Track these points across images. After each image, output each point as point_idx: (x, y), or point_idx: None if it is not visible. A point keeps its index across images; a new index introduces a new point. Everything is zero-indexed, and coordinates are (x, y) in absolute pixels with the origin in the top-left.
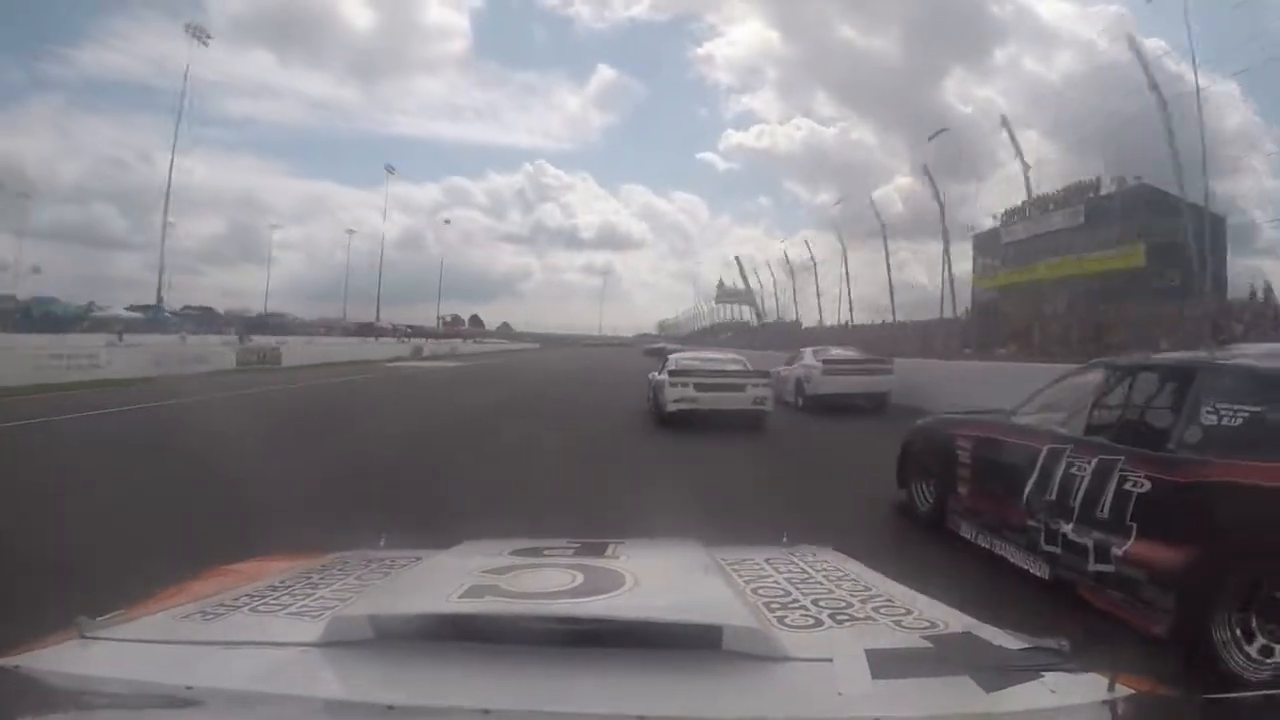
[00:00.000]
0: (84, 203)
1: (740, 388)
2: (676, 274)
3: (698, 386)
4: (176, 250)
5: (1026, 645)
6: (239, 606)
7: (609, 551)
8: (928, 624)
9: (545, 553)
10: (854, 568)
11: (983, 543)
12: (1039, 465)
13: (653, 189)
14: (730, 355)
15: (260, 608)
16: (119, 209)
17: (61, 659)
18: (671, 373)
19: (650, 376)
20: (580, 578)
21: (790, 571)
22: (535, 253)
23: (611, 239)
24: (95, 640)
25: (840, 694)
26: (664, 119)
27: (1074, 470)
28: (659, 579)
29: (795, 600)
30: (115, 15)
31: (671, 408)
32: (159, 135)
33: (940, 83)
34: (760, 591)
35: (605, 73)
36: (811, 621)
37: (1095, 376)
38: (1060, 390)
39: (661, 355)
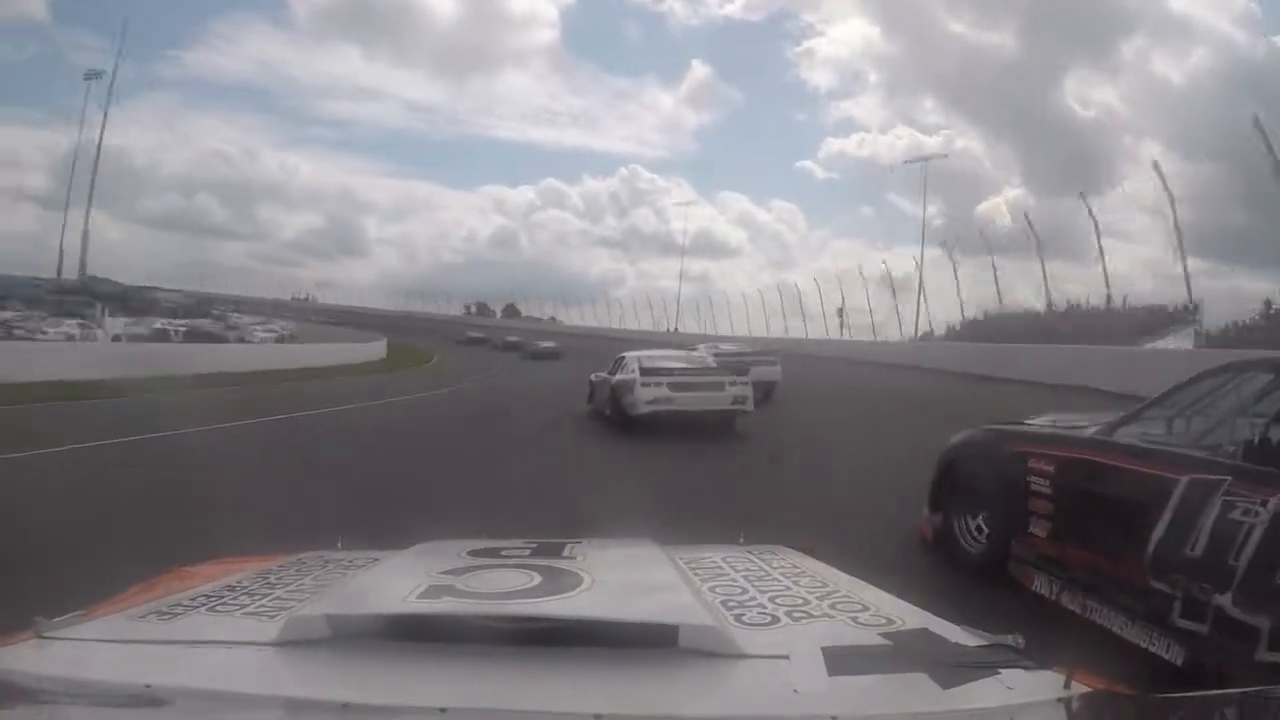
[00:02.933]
0: (189, 194)
1: (718, 386)
2: (772, 286)
3: (673, 386)
4: (277, 241)
5: (983, 642)
6: (197, 606)
7: (566, 551)
8: (885, 621)
9: (502, 553)
10: (811, 565)
11: (1070, 604)
12: (1174, 503)
13: (750, 196)
14: (697, 353)
15: (218, 608)
16: (221, 200)
17: (19, 658)
18: (644, 371)
19: (594, 377)
20: (537, 578)
21: (747, 569)
22: (629, 258)
23: (707, 246)
24: (53, 640)
25: (797, 691)
26: (760, 124)
27: (1236, 513)
28: (616, 578)
29: (752, 598)
30: (218, 19)
31: (644, 409)
32: (262, 132)
33: (1059, 83)
34: (717, 589)
35: (699, 75)
36: (768, 619)
37: (1258, 379)
38: (1194, 397)
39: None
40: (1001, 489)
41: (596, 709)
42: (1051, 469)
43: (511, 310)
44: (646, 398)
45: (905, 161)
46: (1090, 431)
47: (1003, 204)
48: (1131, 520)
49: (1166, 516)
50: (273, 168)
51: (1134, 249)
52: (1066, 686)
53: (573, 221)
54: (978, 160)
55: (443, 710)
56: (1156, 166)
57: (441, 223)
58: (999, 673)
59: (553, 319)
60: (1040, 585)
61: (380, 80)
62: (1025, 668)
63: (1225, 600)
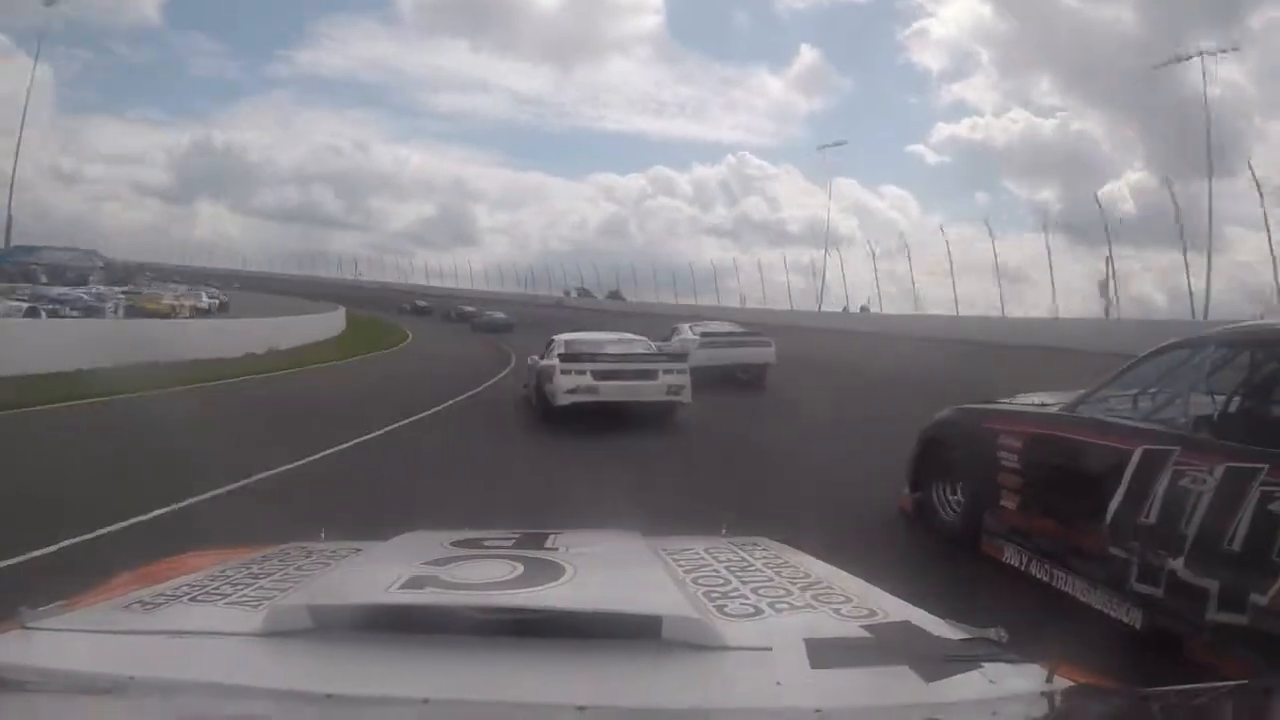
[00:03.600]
0: (304, 187)
1: (650, 374)
2: (886, 275)
3: (597, 374)
4: (388, 232)
5: (966, 635)
6: (179, 597)
7: (549, 542)
8: (867, 612)
9: (485, 544)
10: (793, 556)
11: (1037, 573)
12: (1129, 474)
13: (860, 182)
14: (632, 335)
15: (201, 598)
16: (336, 192)
17: (2, 649)
18: (563, 356)
19: (530, 360)
20: (520, 568)
21: (730, 560)
22: (740, 247)
23: (818, 234)
24: (37, 631)
25: (779, 683)
26: (870, 109)
27: (1187, 482)
28: (599, 569)
29: (735, 589)
30: (327, 19)
31: (564, 400)
32: (373, 126)
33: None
34: (700, 581)
35: (808, 60)
36: (751, 610)
37: (1208, 354)
38: (1147, 373)
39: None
40: (974, 464)
41: (579, 700)
42: (1019, 444)
43: (615, 295)
44: (567, 386)
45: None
46: (1054, 408)
47: (1125, 188)
48: (1091, 491)
49: (1123, 487)
50: (385, 160)
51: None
52: (1049, 680)
53: (683, 209)
54: (1095, 143)
55: (425, 701)
56: None
57: (551, 211)
58: (982, 666)
59: (615, 294)
60: (1010, 556)
61: (488, 72)
62: (1008, 661)
63: (1178, 564)
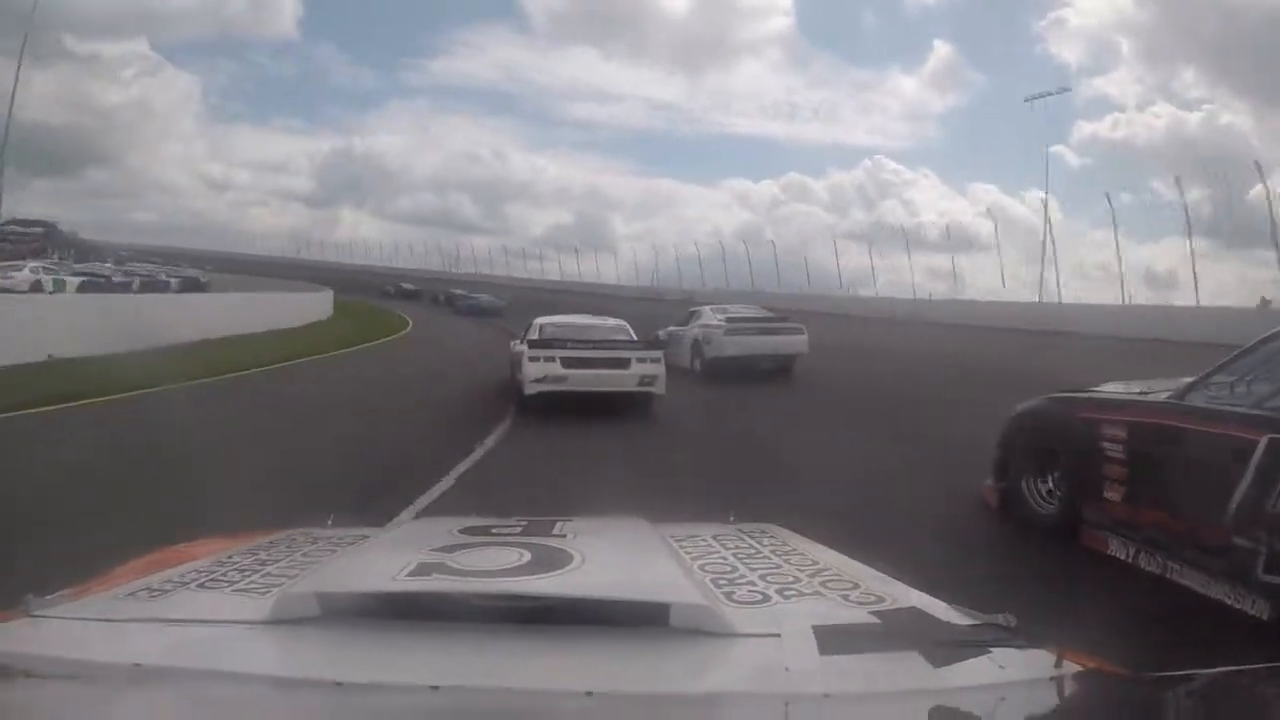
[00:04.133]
0: (441, 193)
1: (623, 363)
2: (1027, 281)
3: (566, 361)
4: (525, 237)
5: (974, 621)
6: (186, 584)
7: (557, 529)
8: (875, 599)
9: (493, 531)
10: (801, 543)
11: (1147, 565)
12: (1255, 464)
13: (999, 186)
14: (613, 321)
15: (208, 585)
16: (473, 198)
17: (9, 638)
18: (532, 343)
19: (511, 345)
20: (528, 555)
21: (738, 548)
22: (877, 252)
23: (956, 240)
24: (43, 618)
25: (788, 669)
26: (1008, 107)
27: None
28: (606, 556)
29: (742, 576)
30: (462, 29)
31: (531, 389)
32: (509, 134)
33: None
34: (707, 568)
35: (941, 57)
36: (759, 597)
37: None
38: (1261, 360)
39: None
40: (1073, 453)
41: (588, 686)
42: (1124, 434)
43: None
44: (534, 374)
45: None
46: (1162, 396)
47: None
48: (1210, 482)
49: (1248, 476)
50: (520, 167)
51: None
52: (1058, 665)
53: (818, 215)
54: (1244, 138)
55: (434, 688)
56: None
57: (685, 218)
58: (990, 651)
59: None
60: (1116, 549)
61: (620, 80)
62: (1017, 646)
63: None
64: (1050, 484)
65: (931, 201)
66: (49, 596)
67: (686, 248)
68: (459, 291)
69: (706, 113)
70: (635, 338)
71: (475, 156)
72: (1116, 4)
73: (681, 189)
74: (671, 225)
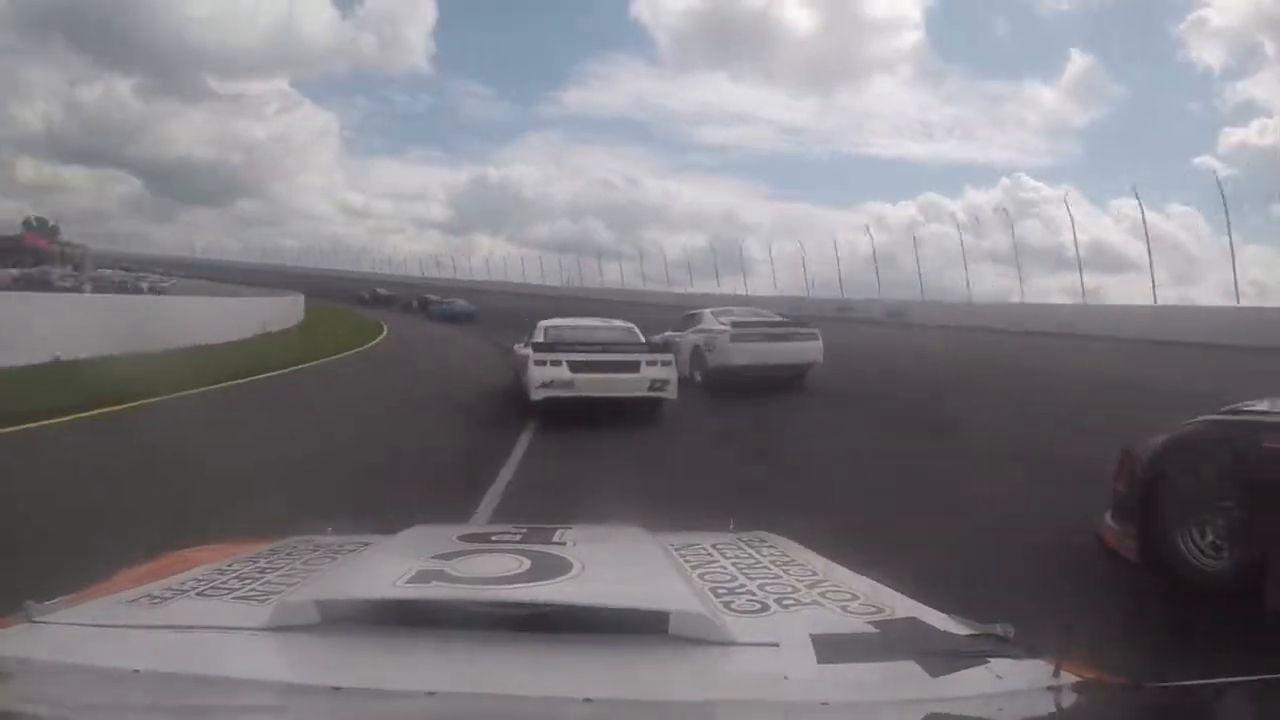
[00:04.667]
0: (577, 219)
1: (632, 366)
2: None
3: (574, 365)
4: (660, 261)
5: (972, 631)
6: (186, 591)
7: (556, 537)
8: (874, 609)
9: (492, 538)
10: (800, 552)
11: None
12: None
13: (1144, 201)
14: (621, 323)
15: (207, 592)
16: (608, 224)
17: (9, 643)
18: (537, 346)
19: (514, 349)
20: (527, 563)
21: (737, 557)
22: (1016, 275)
23: (1100, 259)
24: (43, 624)
25: (786, 678)
26: (1150, 117)
27: None
28: (606, 564)
29: (741, 585)
30: (592, 60)
31: (537, 395)
32: (642, 161)
33: None
34: (707, 577)
35: (1079, 67)
36: (758, 606)
37: None
38: None
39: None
40: (1255, 494)
41: (586, 694)
42: None
43: (897, 313)
44: (540, 379)
45: None
46: None
47: None
48: None
49: None
50: (654, 193)
51: None
52: (1055, 675)
53: (956, 236)
54: None
55: (432, 694)
56: None
57: (820, 241)
58: (988, 661)
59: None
60: None
61: (750, 104)
62: (1014, 656)
63: None
64: (1217, 533)
65: (1071, 220)
66: (49, 602)
67: (824, 271)
68: (432, 297)
69: (839, 133)
70: (644, 340)
71: (610, 183)
72: (1259, 1)
73: (816, 212)
74: (807, 248)
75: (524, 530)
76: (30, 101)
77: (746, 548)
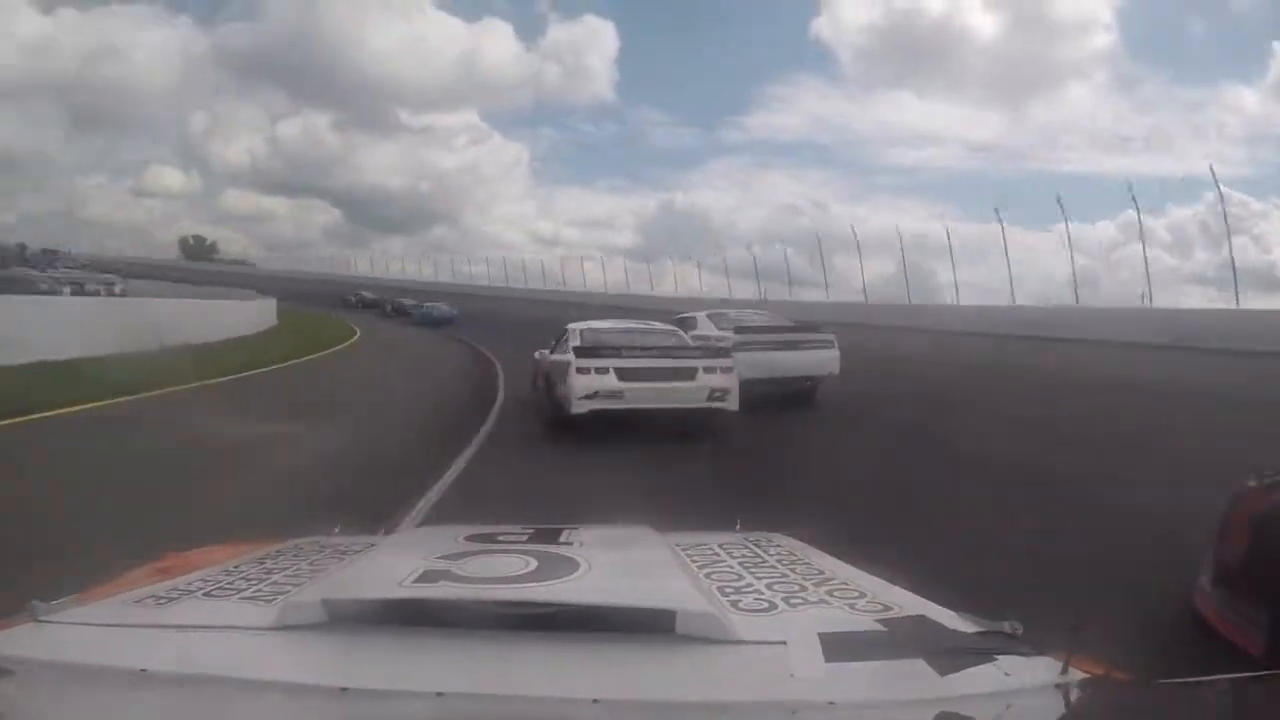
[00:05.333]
0: (766, 245)
1: (688, 373)
2: None
3: (622, 373)
4: (849, 288)
5: (980, 628)
6: (193, 591)
7: (563, 537)
8: (881, 607)
9: (499, 538)
10: (807, 552)
11: None
12: None
13: None
14: (662, 325)
15: (214, 592)
16: (796, 249)
17: (15, 643)
18: (580, 351)
19: (538, 355)
20: (534, 563)
21: (744, 556)
22: (1227, 299)
23: None
24: (49, 624)
25: (794, 676)
26: None
27: None
28: (613, 564)
29: (749, 584)
30: (773, 83)
31: (580, 407)
32: (827, 184)
33: None
34: (714, 576)
35: None
36: (765, 605)
37: None
38: None
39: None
40: None
41: (594, 694)
42: None
43: None
44: (584, 389)
45: None
46: None
47: None
48: None
49: None
50: (841, 217)
51: None
52: (1064, 672)
53: (1160, 257)
54: None
55: (440, 694)
56: None
57: (1013, 264)
58: (996, 659)
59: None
60: None
61: (937, 122)
62: (1022, 653)
63: None
64: None
65: None
66: (55, 602)
67: (1015, 295)
68: (408, 302)
69: (1029, 150)
70: (691, 343)
71: (797, 208)
72: None
73: (1009, 233)
74: (998, 272)
75: (531, 530)
76: (235, 137)
77: (753, 547)
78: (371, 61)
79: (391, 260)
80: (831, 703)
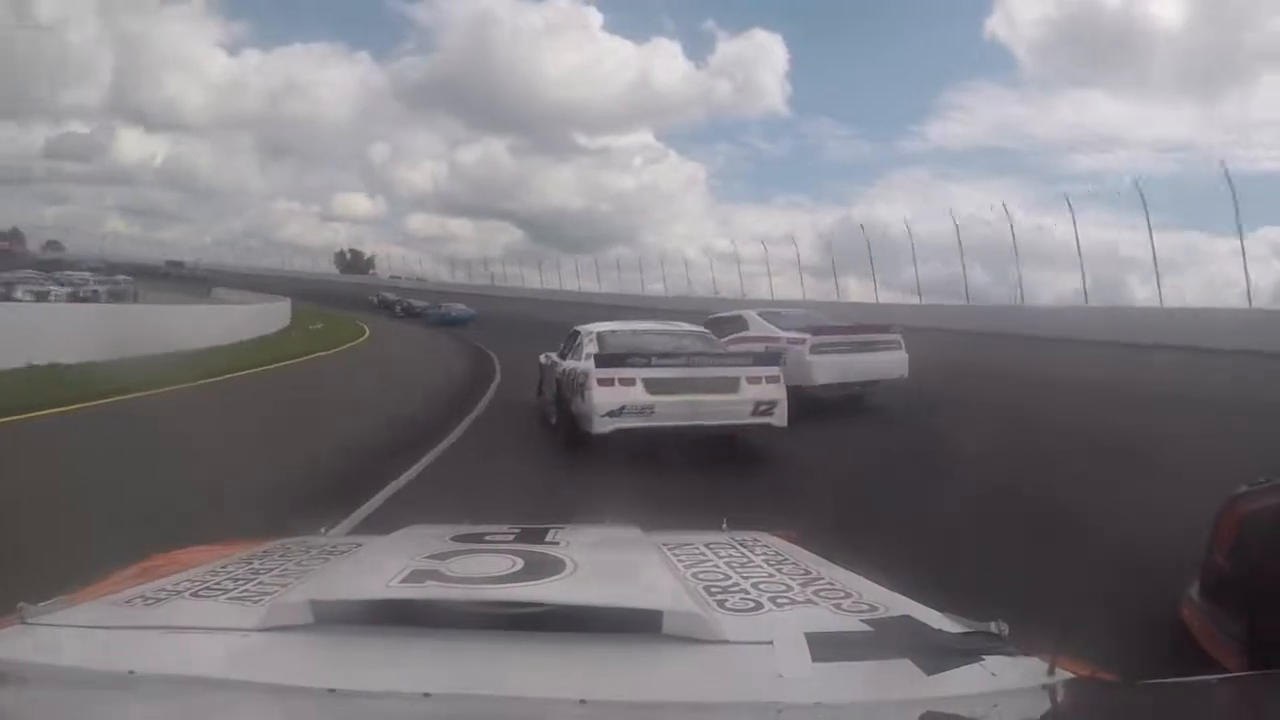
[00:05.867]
0: (948, 261)
1: (730, 384)
2: None
3: (652, 385)
4: (1038, 306)
5: (966, 629)
6: (180, 592)
7: (550, 537)
8: (868, 607)
9: (486, 538)
10: (794, 551)
11: None
12: None
13: None
14: (689, 326)
15: (202, 593)
16: (983, 264)
17: (3, 645)
18: (600, 359)
19: (543, 359)
20: (521, 563)
21: (730, 556)
22: None
23: None
24: (37, 626)
25: (780, 676)
26: None
27: None
28: (599, 564)
29: (735, 584)
30: (951, 89)
31: (603, 426)
32: (1009, 193)
33: None
34: (700, 575)
35: None
36: (752, 605)
37: None
38: None
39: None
40: None
41: (580, 694)
42: None
43: None
44: (606, 405)
45: None
46: None
47: None
48: None
49: None
50: (1025, 227)
51: None
52: (1050, 673)
53: None
54: None
55: (427, 695)
56: None
57: (1213, 275)
58: (982, 659)
59: None
60: None
61: (1122, 123)
62: (1009, 654)
63: None
64: None
65: None
66: (43, 604)
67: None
68: (419, 303)
69: (1226, 147)
70: (726, 349)
71: (979, 219)
72: None
73: (1206, 241)
74: (1196, 282)
75: (517, 530)
76: (419, 164)
77: (740, 547)
78: (546, 87)
79: (567, 277)
80: (818, 703)
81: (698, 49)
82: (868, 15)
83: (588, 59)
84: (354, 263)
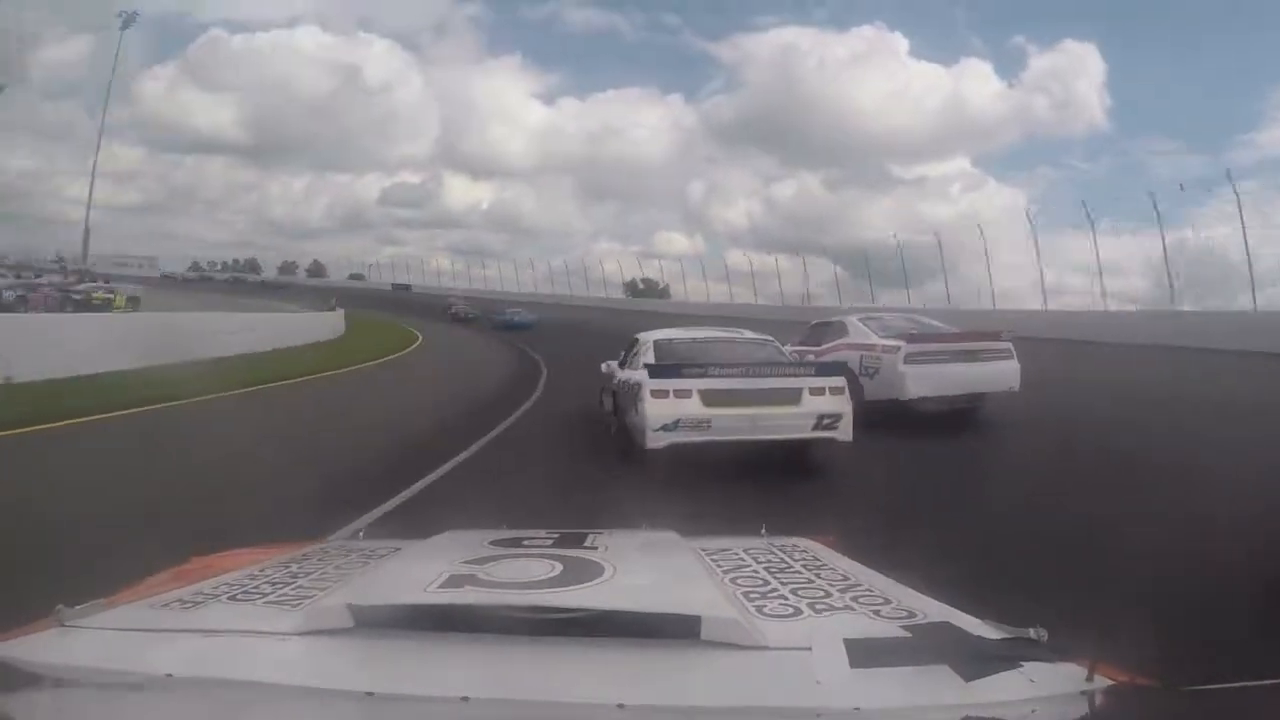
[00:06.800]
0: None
1: (791, 396)
2: None
3: (709, 397)
4: None
5: (1005, 635)
6: (218, 595)
7: (588, 542)
8: (906, 613)
9: (524, 543)
10: (832, 557)
11: None
12: None
13: None
14: (751, 334)
15: (239, 597)
16: None
17: (42, 648)
18: (654, 369)
19: (604, 367)
20: (559, 568)
21: (769, 561)
22: None
23: None
24: (75, 629)
25: (819, 682)
26: None
27: None
28: (638, 569)
29: (774, 590)
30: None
31: (656, 440)
32: None
33: None
34: (739, 581)
35: None
36: (790, 611)
37: None
38: None
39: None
40: None
41: (619, 699)
42: None
43: None
44: (660, 418)
45: None
46: None
47: None
48: None
49: None
50: None
51: None
52: (1089, 679)
53: None
54: None
55: (465, 699)
56: None
57: None
58: (1021, 665)
59: None
60: None
61: None
62: (1048, 660)
63: None
64: None
65: None
66: (80, 607)
67: None
68: (463, 307)
69: None
70: (789, 356)
71: None
72: None
73: None
74: None
75: (556, 535)
76: (734, 202)
77: (779, 552)
78: (857, 118)
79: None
80: (857, 708)
81: (1008, 66)
82: (1184, 17)
83: (898, 85)
84: (646, 290)
